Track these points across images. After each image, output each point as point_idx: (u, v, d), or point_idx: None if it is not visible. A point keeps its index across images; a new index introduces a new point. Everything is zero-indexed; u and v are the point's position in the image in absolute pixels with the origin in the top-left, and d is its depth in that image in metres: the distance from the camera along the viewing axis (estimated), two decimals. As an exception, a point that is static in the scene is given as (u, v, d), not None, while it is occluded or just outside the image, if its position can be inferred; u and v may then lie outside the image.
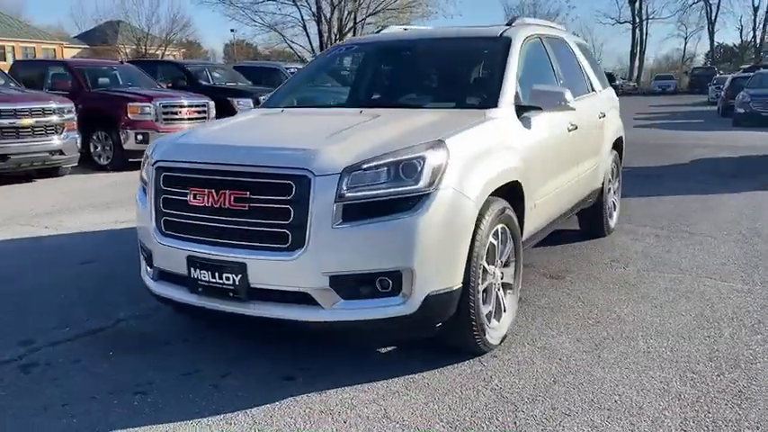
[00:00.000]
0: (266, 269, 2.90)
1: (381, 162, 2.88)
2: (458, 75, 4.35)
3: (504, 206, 3.38)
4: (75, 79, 11.55)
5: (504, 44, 4.14)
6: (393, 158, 2.90)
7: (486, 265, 3.23)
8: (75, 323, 3.81)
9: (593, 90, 5.47)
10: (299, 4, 28.50)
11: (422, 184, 2.88)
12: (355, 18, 28.37)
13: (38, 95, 9.81)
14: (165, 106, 10.97)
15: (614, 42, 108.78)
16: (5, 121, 8.88)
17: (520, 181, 3.56)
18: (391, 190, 2.86)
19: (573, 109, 3.89)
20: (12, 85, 10.36)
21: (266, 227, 2.88)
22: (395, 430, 2.65)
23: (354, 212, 2.83)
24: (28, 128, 9.12)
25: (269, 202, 2.88)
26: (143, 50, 55.00)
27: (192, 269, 3.06)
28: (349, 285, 2.87)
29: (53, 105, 9.47)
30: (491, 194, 3.28)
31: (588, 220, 5.75)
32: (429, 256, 2.89)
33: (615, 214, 6.07)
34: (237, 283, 2.94)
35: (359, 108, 3.94)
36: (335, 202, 2.81)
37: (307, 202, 2.81)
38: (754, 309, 4.01)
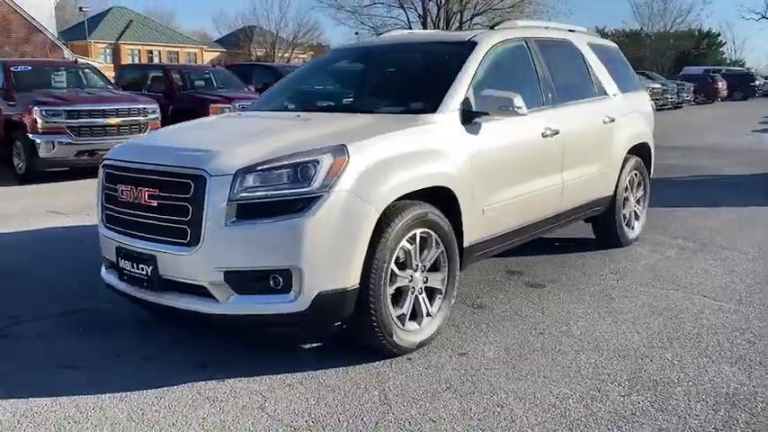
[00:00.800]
0: (171, 262, 3.12)
1: (276, 164, 3.02)
2: (414, 80, 4.35)
3: (427, 211, 3.39)
4: (169, 82, 12.49)
5: (465, 49, 4.11)
6: (288, 161, 3.02)
7: (395, 268, 3.27)
8: (62, 304, 4.23)
9: (603, 94, 5.24)
10: (405, 6, 28.91)
11: (314, 186, 2.98)
12: (461, 19, 28.29)
13: (126, 96, 10.73)
14: (243, 107, 11.59)
15: (757, 39, 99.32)
16: (95, 120, 9.80)
17: (450, 187, 3.54)
18: (284, 191, 2.99)
19: (522, 114, 3.79)
20: (109, 87, 11.40)
21: (171, 222, 3.11)
22: (259, 421, 2.78)
23: (247, 212, 2.98)
24: (114, 126, 10.00)
25: (173, 200, 3.10)
26: (273, 54, 57.62)
27: (119, 258, 3.36)
28: (242, 281, 3.03)
29: (138, 106, 10.32)
30: (411, 199, 3.32)
31: (600, 229, 5.53)
32: (319, 256, 2.98)
33: (638, 224, 5.76)
34: (150, 273, 3.19)
35: (299, 112, 4.08)
36: (229, 201, 2.97)
37: (203, 200, 3.00)
38: (725, 330, 3.73)
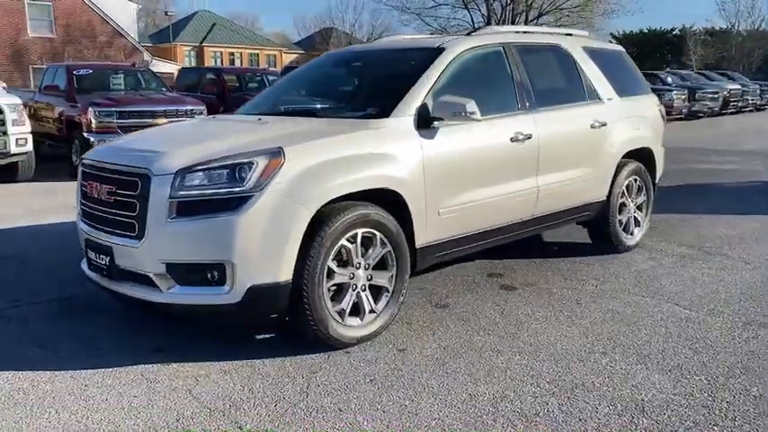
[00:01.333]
0: (124, 253, 3.40)
1: (213, 165, 3.25)
2: (380, 85, 4.47)
3: (370, 212, 3.54)
4: (221, 84, 13.05)
5: (432, 55, 4.22)
6: (225, 162, 3.25)
7: (333, 266, 3.43)
8: (58, 289, 4.62)
9: (594, 98, 5.20)
10: (470, 7, 28.72)
11: (247, 186, 3.20)
12: (526, 19, 27.85)
13: (175, 98, 11.32)
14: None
15: None
16: (144, 121, 10.41)
17: (397, 189, 3.67)
18: (220, 190, 3.22)
19: (476, 120, 3.87)
20: (162, 89, 12.05)
21: (124, 217, 3.39)
22: (182, 402, 3.01)
23: (186, 209, 3.22)
24: (162, 126, 10.58)
25: (125, 196, 3.39)
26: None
27: (87, 249, 3.68)
28: (182, 273, 3.28)
29: (185, 107, 10.88)
30: (355, 200, 3.48)
31: (595, 234, 5.51)
32: (250, 252, 3.19)
33: (638, 231, 5.67)
34: (108, 263, 3.49)
35: (264, 115, 4.30)
36: (169, 198, 3.22)
37: (147, 197, 3.27)
38: (677, 339, 3.69)
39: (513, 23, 27.55)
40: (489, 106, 4.28)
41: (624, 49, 6.14)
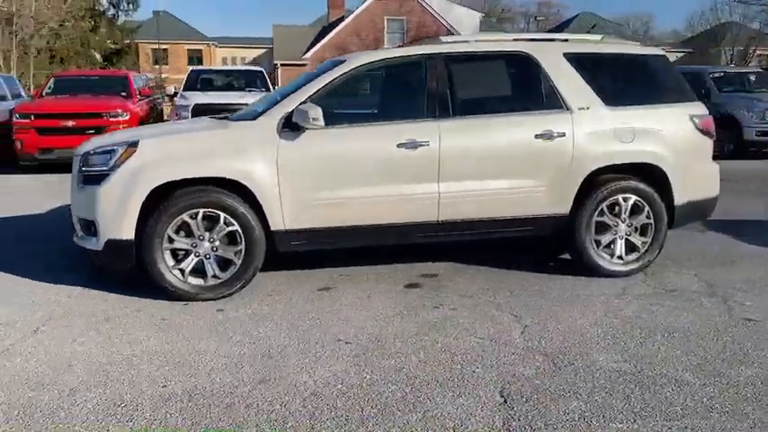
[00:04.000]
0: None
1: (98, 150, 4.56)
2: (284, 93, 5.02)
3: (211, 196, 4.43)
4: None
5: (330, 67, 4.78)
6: (103, 149, 4.54)
7: (173, 234, 4.43)
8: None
9: (557, 107, 4.90)
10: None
11: (108, 167, 4.43)
12: None
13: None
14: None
15: None
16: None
17: (239, 180, 4.44)
18: (97, 169, 4.51)
19: (319, 126, 4.35)
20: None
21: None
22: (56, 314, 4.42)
23: (84, 180, 4.60)
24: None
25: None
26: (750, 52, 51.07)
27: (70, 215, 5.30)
28: (82, 225, 4.66)
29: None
30: (206, 185, 4.42)
31: (569, 252, 5.19)
32: (106, 214, 4.42)
33: (633, 256, 5.07)
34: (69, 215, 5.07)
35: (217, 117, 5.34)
36: (78, 172, 4.65)
37: (75, 171, 4.74)
38: (481, 369, 3.70)
39: None
40: (378, 114, 4.66)
41: (662, 54, 5.40)
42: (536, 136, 4.84)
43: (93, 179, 4.51)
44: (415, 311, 4.35)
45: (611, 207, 5.02)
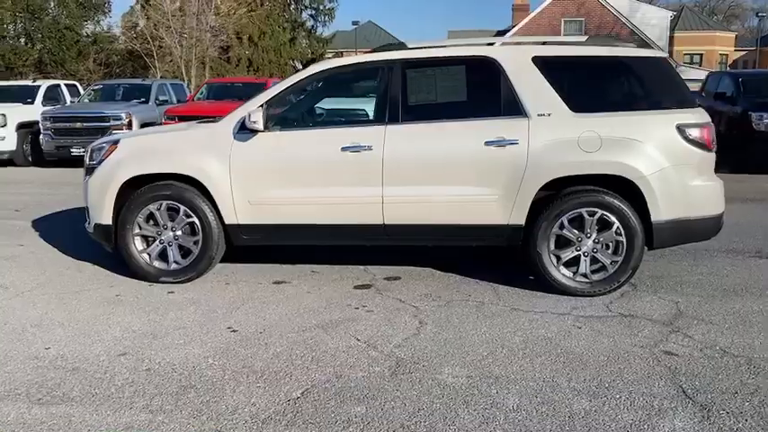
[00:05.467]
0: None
1: (96, 146, 5.31)
2: None
3: (172, 190, 4.97)
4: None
5: (294, 74, 5.07)
6: (99, 145, 5.28)
7: (142, 222, 5.04)
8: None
9: (515, 114, 4.69)
10: None
11: (95, 161, 5.16)
12: None
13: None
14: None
15: None
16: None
17: (193, 175, 4.90)
18: (92, 162, 5.25)
19: (257, 129, 4.67)
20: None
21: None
22: (70, 282, 5.26)
23: (86, 172, 5.38)
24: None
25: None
26: None
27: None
28: (86, 211, 5.45)
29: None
30: (175, 180, 4.98)
31: (528, 265, 4.98)
32: (93, 202, 5.14)
33: (600, 276, 4.69)
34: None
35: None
36: (86, 166, 5.45)
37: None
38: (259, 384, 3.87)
39: None
40: (332, 118, 4.87)
41: (657, 57, 4.88)
42: (486, 143, 4.69)
43: (89, 171, 5.27)
44: (331, 310, 4.49)
45: (574, 221, 4.69)
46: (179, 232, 5.04)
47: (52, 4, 19.72)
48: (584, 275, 4.73)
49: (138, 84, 15.45)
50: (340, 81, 5.12)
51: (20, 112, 13.96)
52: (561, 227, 4.70)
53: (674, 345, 3.85)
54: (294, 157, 4.89)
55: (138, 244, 5.08)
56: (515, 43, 5.14)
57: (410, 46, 5.12)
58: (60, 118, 12.98)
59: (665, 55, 5.05)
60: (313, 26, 42.56)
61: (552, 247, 4.73)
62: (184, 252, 5.07)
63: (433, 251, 5.63)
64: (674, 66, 5.09)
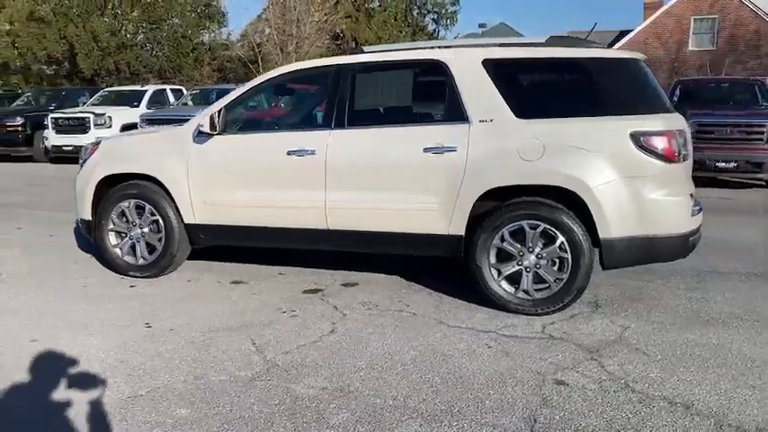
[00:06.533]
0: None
1: (87, 146, 5.73)
2: None
3: (138, 189, 5.25)
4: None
5: (253, 80, 5.18)
6: (86, 146, 5.69)
7: (115, 218, 5.36)
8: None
9: (457, 119, 4.48)
10: None
11: (82, 160, 5.57)
12: None
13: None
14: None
15: None
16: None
17: (155, 176, 5.15)
18: (81, 161, 5.67)
19: (207, 133, 4.82)
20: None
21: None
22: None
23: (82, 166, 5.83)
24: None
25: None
26: None
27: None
28: (76, 206, 5.87)
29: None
30: (132, 178, 5.29)
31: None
32: (79, 197, 5.53)
33: (543, 294, 4.39)
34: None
35: None
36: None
37: (85, 163, 6.02)
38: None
39: None
40: (283, 123, 4.95)
41: (624, 58, 4.44)
42: (425, 149, 4.52)
43: (79, 169, 5.70)
44: (258, 312, 4.52)
45: (516, 234, 4.41)
46: (146, 229, 5.30)
47: (171, 16, 21.41)
48: (526, 292, 4.43)
49: (230, 89, 16.29)
50: (282, 87, 5.17)
51: (124, 115, 15.25)
52: (502, 239, 4.43)
53: (575, 374, 3.51)
54: (244, 160, 4.99)
55: (112, 239, 5.41)
56: (467, 46, 4.88)
57: (366, 50, 5.05)
58: (153, 120, 14.01)
59: (638, 57, 4.58)
60: (435, 30, 42.70)
61: (493, 260, 4.47)
62: (150, 249, 5.32)
63: (414, 259, 5.48)
64: (646, 68, 4.60)
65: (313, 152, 4.74)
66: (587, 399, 3.22)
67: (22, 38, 21.34)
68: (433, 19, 42.20)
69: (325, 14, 26.41)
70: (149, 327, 4.26)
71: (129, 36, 20.73)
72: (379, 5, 38.07)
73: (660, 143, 4.20)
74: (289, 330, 4.18)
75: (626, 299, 4.78)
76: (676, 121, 4.37)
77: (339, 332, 4.14)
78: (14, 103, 17.70)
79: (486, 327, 4.24)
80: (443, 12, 41.84)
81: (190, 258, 5.53)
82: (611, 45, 32.71)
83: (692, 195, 4.49)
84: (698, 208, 4.56)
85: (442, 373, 3.52)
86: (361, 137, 4.74)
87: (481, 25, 55.74)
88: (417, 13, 41.16)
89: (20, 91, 20.52)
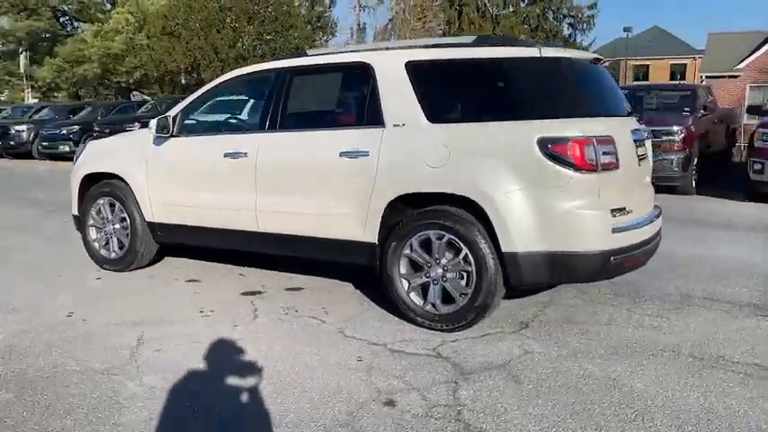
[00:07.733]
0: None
1: (79, 148, 6.19)
2: None
3: (110, 188, 5.60)
4: None
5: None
6: (80, 147, 6.15)
7: (95, 214, 5.75)
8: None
9: (373, 123, 4.34)
10: None
11: (74, 160, 6.04)
12: None
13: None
14: None
15: None
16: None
17: (119, 174, 5.46)
18: (75, 161, 6.15)
19: (153, 135, 5.03)
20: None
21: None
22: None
23: (81, 170, 6.32)
24: None
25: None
26: None
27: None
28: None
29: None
30: (108, 177, 5.67)
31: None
32: (71, 195, 6.02)
33: (450, 308, 4.11)
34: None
35: None
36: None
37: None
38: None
39: None
40: (228, 126, 5.11)
41: (551, 57, 4.04)
42: (341, 154, 4.42)
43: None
44: (176, 310, 4.64)
45: (425, 244, 4.19)
46: (117, 226, 5.64)
47: (286, 28, 22.43)
48: (434, 306, 4.18)
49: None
50: (241, 89, 5.23)
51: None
52: (411, 249, 4.22)
53: (415, 396, 3.27)
54: (189, 162, 5.16)
55: (92, 233, 5.80)
56: (394, 48, 4.68)
57: (309, 53, 5.03)
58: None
59: (572, 56, 4.16)
60: (571, 35, 41.11)
61: (404, 270, 4.27)
62: (120, 245, 5.65)
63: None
64: (582, 69, 4.14)
65: (245, 155, 4.80)
66: (398, 423, 2.99)
67: (156, 51, 23.48)
68: (569, 24, 40.75)
69: (422, 21, 26.28)
70: (82, 320, 4.43)
71: (245, 48, 22.08)
72: (513, 11, 37.36)
73: (570, 150, 3.79)
74: (189, 331, 4.22)
75: (565, 321, 4.36)
76: (598, 127, 3.91)
77: (230, 336, 4.14)
78: (140, 109, 19.36)
79: (381, 339, 4.05)
80: (580, 16, 40.27)
81: (192, 257, 5.90)
82: (757, 48, 29.55)
83: (623, 210, 4.00)
84: (640, 222, 4.08)
85: (275, 383, 3.41)
86: (288, 140, 4.72)
87: (626, 29, 52.75)
88: (553, 18, 39.95)
89: (153, 99, 22.48)
